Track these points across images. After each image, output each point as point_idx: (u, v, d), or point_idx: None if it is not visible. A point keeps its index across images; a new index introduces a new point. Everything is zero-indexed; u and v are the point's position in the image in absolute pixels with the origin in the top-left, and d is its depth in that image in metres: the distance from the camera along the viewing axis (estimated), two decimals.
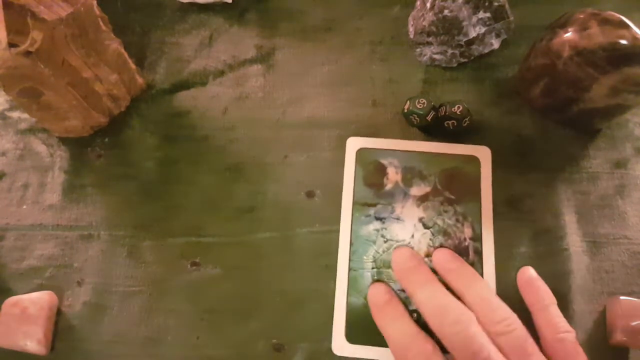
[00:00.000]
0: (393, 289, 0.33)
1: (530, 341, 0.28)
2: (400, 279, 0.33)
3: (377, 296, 0.32)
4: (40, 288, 0.34)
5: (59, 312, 0.34)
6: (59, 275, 0.35)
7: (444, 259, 0.33)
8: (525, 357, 0.27)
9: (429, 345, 0.29)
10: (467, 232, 0.35)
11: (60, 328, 0.34)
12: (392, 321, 0.31)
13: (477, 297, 0.30)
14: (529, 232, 0.35)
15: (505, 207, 0.36)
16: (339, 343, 0.32)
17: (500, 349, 0.27)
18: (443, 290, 0.30)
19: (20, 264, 0.35)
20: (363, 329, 0.32)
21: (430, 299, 0.30)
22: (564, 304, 0.33)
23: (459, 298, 0.30)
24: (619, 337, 0.31)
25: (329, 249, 0.35)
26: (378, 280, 0.34)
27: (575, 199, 0.36)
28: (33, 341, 0.32)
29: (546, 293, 0.31)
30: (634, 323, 0.31)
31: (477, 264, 0.34)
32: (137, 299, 0.34)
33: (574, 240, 0.35)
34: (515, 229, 0.35)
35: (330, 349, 0.32)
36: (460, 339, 0.27)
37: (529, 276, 0.32)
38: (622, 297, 0.32)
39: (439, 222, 0.35)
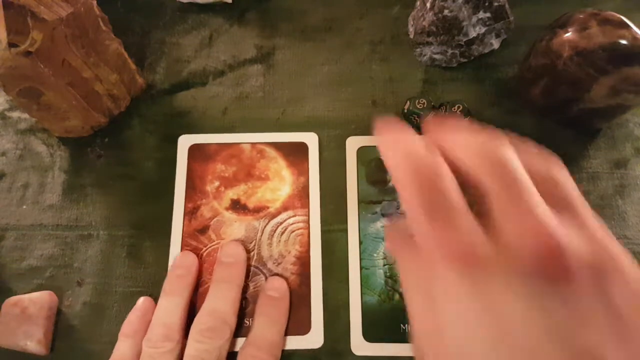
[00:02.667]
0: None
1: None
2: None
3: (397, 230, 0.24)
4: (40, 288, 0.34)
5: (59, 312, 0.34)
6: (59, 275, 0.35)
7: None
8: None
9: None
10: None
11: (60, 328, 0.34)
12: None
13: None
14: None
15: None
16: (357, 342, 0.32)
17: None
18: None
19: (20, 264, 0.35)
20: (380, 326, 0.33)
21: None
22: None
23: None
24: None
25: (337, 248, 0.35)
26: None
27: None
28: (33, 341, 0.32)
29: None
30: None
31: None
32: (137, 299, 0.34)
33: None
34: None
35: (349, 349, 0.32)
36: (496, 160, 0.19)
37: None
38: None
39: None
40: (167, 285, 0.33)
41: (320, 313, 0.33)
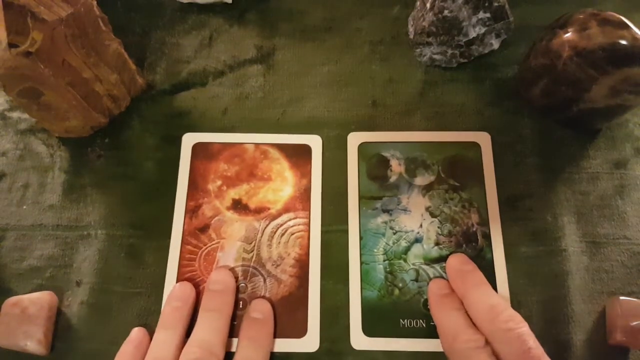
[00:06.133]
0: None
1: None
2: (453, 282, 0.33)
3: (438, 288, 0.33)
4: (40, 288, 0.34)
5: (59, 312, 0.34)
6: (59, 275, 0.35)
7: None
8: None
9: (481, 336, 0.29)
10: (474, 217, 0.35)
11: (60, 328, 0.34)
12: (448, 311, 0.31)
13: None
14: (528, 232, 0.35)
15: (504, 206, 0.36)
16: (357, 337, 0.32)
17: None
18: (495, 292, 0.31)
19: (20, 264, 0.35)
20: (379, 321, 0.33)
21: (483, 297, 0.31)
22: (564, 304, 0.33)
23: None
24: (618, 337, 0.31)
25: (336, 249, 0.35)
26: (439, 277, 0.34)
27: (575, 199, 0.36)
28: (33, 341, 0.32)
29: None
30: (633, 323, 0.31)
31: (486, 249, 0.34)
32: (137, 299, 0.34)
33: (573, 241, 0.35)
34: (515, 229, 0.35)
35: (347, 349, 0.32)
36: (514, 336, 0.28)
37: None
38: (621, 297, 0.32)
39: (446, 209, 0.35)
40: (163, 317, 0.32)
41: (317, 317, 0.33)
